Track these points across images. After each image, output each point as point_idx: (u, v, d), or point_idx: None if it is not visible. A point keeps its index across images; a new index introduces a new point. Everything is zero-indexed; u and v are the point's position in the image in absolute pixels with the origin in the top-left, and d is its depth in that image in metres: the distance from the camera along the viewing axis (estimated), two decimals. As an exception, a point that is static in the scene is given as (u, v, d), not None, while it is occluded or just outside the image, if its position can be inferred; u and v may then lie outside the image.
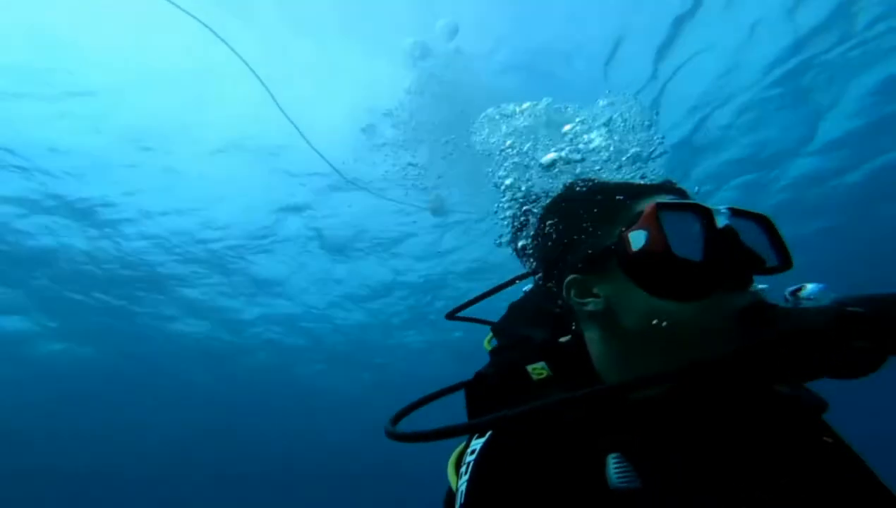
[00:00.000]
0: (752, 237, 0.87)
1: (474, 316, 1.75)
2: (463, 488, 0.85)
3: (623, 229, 0.88)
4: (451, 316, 1.88)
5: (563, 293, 0.97)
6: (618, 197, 0.97)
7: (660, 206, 0.85)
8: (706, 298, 0.81)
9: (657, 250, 0.82)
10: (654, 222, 0.84)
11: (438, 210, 9.45)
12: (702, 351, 0.79)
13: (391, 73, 6.25)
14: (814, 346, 0.67)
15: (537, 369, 0.94)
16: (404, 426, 0.96)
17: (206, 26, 4.49)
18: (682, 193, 1.00)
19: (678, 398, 0.83)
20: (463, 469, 0.89)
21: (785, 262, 0.89)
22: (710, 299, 0.80)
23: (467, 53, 6.10)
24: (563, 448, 0.84)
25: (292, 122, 5.51)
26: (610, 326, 0.91)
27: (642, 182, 1.04)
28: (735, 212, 0.87)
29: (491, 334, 1.67)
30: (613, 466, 0.78)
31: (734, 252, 0.80)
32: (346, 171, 7.41)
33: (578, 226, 0.99)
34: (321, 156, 6.32)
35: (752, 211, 0.91)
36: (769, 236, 0.91)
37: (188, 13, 4.37)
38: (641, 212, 0.88)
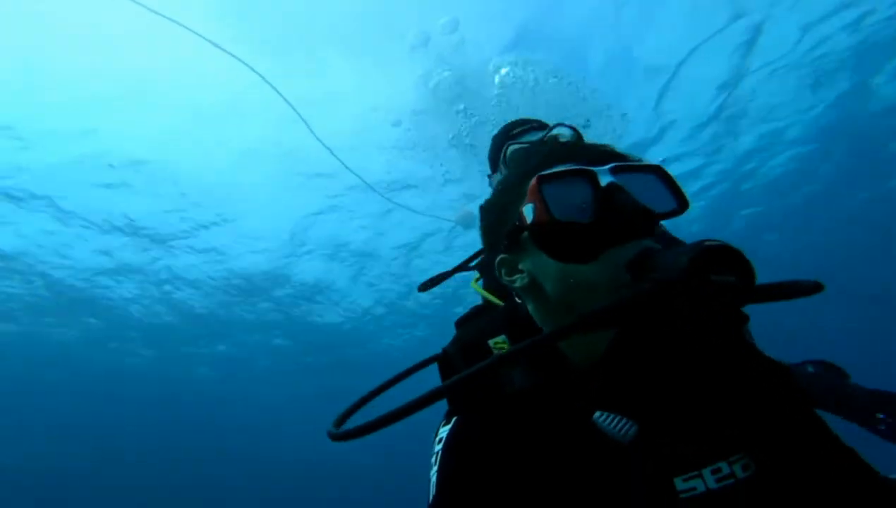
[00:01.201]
0: (647, 189, 0.89)
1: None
2: (434, 479, 0.86)
3: (521, 207, 0.93)
4: (425, 287, 2.04)
5: (496, 274, 1.02)
6: (517, 178, 1.01)
7: (540, 179, 0.89)
8: (600, 255, 0.84)
9: (544, 220, 0.86)
10: (536, 195, 0.88)
11: (469, 223, 9.58)
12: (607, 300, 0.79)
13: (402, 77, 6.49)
14: (676, 289, 0.66)
15: (499, 342, 0.98)
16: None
17: (248, 65, 4.80)
18: (590, 157, 0.98)
19: (615, 358, 0.85)
20: (433, 458, 0.91)
21: (681, 205, 0.91)
22: (605, 256, 0.83)
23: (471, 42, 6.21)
24: (534, 424, 0.85)
25: (327, 147, 5.82)
26: (539, 297, 0.95)
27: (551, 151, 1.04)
28: (619, 169, 0.89)
29: (478, 274, 1.85)
30: (605, 421, 0.79)
31: (615, 207, 0.83)
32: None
33: (496, 210, 1.05)
34: (359, 177, 6.64)
35: (641, 164, 0.93)
36: (665, 184, 0.93)
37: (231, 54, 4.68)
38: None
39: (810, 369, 1.59)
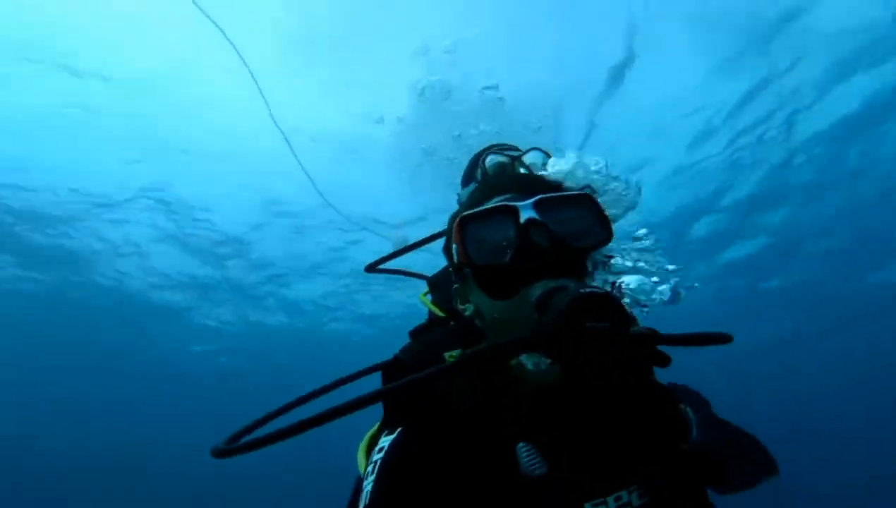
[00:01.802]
0: (572, 220, 0.92)
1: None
2: (369, 488, 0.86)
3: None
4: (373, 268, 1.92)
5: (453, 302, 1.07)
6: (457, 213, 1.06)
7: (461, 221, 0.94)
8: (514, 294, 0.88)
9: (464, 261, 0.93)
10: (458, 237, 0.93)
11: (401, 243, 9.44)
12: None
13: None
14: (553, 333, 0.71)
15: (453, 356, 1.00)
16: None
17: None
18: (521, 187, 1.02)
19: (560, 386, 0.90)
20: (370, 467, 0.90)
21: (605, 235, 0.94)
22: (519, 295, 0.87)
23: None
24: (471, 444, 0.89)
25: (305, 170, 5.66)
26: (482, 324, 0.99)
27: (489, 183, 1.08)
28: (543, 202, 0.92)
29: (428, 288, 1.78)
30: (524, 454, 0.85)
31: (530, 248, 0.86)
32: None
33: (447, 240, 1.10)
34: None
35: (565, 195, 0.95)
36: (591, 213, 0.95)
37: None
38: None
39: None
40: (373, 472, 0.88)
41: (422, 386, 0.78)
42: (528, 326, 0.80)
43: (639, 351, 0.72)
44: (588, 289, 0.72)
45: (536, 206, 0.90)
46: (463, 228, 0.93)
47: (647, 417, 0.90)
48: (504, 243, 0.90)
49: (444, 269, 1.79)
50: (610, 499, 0.87)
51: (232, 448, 0.72)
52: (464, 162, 2.26)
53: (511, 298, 0.89)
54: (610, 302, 0.71)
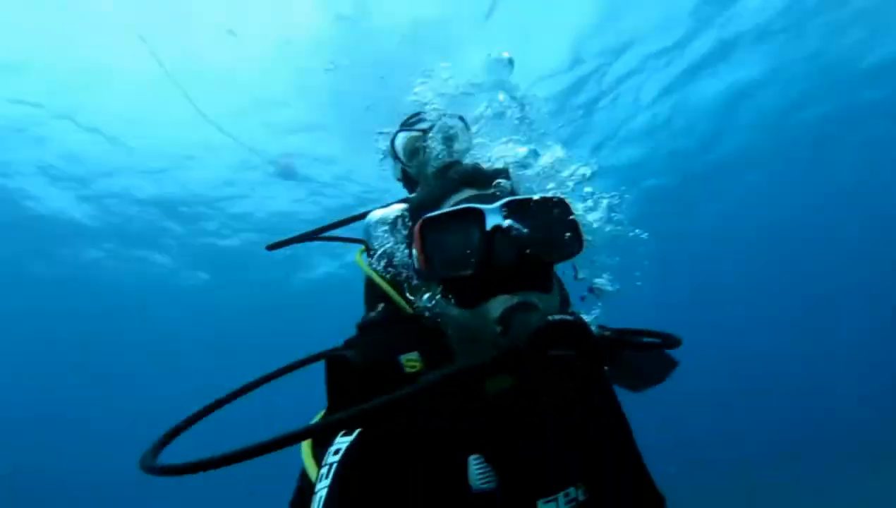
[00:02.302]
0: (543, 225, 0.87)
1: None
2: (323, 494, 0.82)
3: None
4: (278, 245, 1.78)
5: (411, 294, 1.02)
6: (415, 206, 1.01)
7: (423, 225, 0.87)
8: (478, 306, 0.84)
9: (425, 271, 0.88)
10: (419, 243, 0.87)
11: (287, 175, 8.96)
12: (484, 351, 0.80)
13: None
14: (514, 361, 0.72)
15: (411, 360, 0.94)
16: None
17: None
18: (488, 183, 0.97)
19: (513, 394, 0.90)
20: (324, 469, 0.85)
21: (577, 246, 0.90)
22: (482, 307, 0.84)
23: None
24: (427, 453, 0.87)
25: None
26: (443, 322, 0.94)
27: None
28: (510, 207, 0.86)
29: (363, 248, 1.58)
30: (475, 468, 0.85)
31: (495, 259, 0.82)
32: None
33: (409, 233, 1.02)
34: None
35: (538, 198, 0.89)
36: (565, 220, 0.90)
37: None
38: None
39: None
40: (327, 476, 0.84)
41: (380, 393, 0.76)
42: (489, 340, 0.80)
43: (595, 370, 0.73)
44: (556, 318, 0.70)
45: (504, 210, 0.85)
46: (424, 234, 0.87)
47: (590, 421, 0.99)
48: (467, 251, 0.85)
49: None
50: (560, 495, 0.91)
51: (167, 468, 0.67)
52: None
53: (473, 308, 0.85)
54: (577, 329, 0.70)
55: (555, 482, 0.92)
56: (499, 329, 0.79)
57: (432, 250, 0.87)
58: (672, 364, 1.17)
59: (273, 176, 9.09)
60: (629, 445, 1.06)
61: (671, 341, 0.98)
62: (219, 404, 1.02)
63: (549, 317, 0.70)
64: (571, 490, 0.93)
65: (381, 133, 2.09)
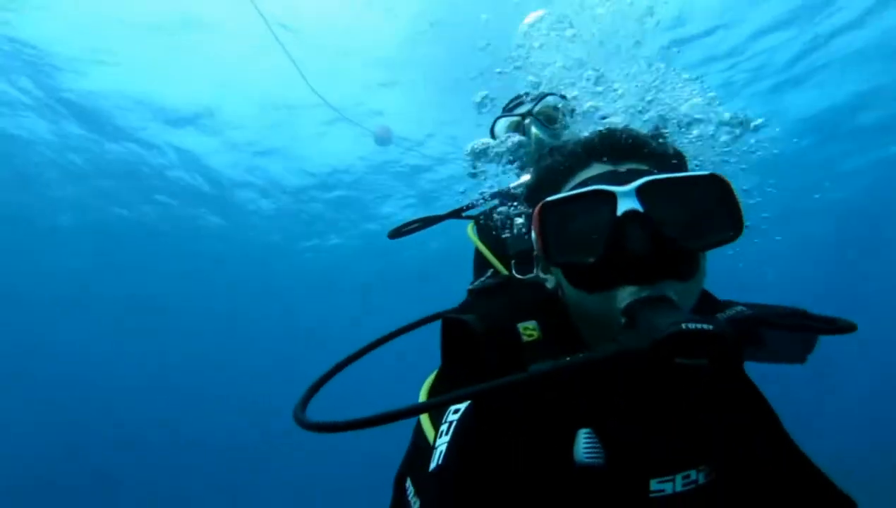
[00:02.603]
0: (685, 208, 0.80)
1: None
2: (443, 448, 0.85)
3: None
4: (399, 233, 1.86)
5: (535, 265, 0.99)
6: (539, 190, 0.95)
7: (544, 207, 0.83)
8: (602, 292, 0.80)
9: (542, 253, 0.84)
10: (539, 228, 0.83)
11: (384, 140, 9.23)
12: (608, 335, 0.78)
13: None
14: (634, 363, 0.68)
15: (528, 329, 0.91)
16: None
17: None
18: (620, 155, 0.89)
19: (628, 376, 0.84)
20: (444, 426, 0.88)
21: (735, 229, 0.79)
22: (607, 293, 0.80)
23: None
24: (539, 421, 0.85)
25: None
26: (563, 298, 0.92)
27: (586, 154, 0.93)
28: (646, 190, 0.77)
29: (473, 223, 1.71)
30: (583, 442, 0.82)
31: (625, 248, 0.75)
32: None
33: (531, 202, 0.98)
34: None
35: (680, 177, 0.80)
36: (717, 200, 0.81)
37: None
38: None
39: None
40: (447, 432, 0.86)
41: (499, 360, 0.82)
42: (614, 327, 0.77)
43: (728, 380, 0.68)
44: (693, 326, 0.63)
45: (640, 193, 0.77)
46: (544, 219, 0.82)
47: (719, 405, 0.86)
48: (594, 236, 0.78)
49: (494, 210, 1.75)
50: (679, 476, 0.85)
51: (327, 425, 0.70)
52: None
53: (597, 293, 0.81)
54: (712, 339, 0.63)
55: (673, 462, 0.86)
56: (623, 320, 0.75)
57: (551, 236, 0.82)
58: (811, 345, 1.04)
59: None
60: (773, 429, 0.92)
61: (843, 325, 0.84)
62: (349, 361, 1.07)
63: (684, 325, 0.63)
64: (693, 472, 0.86)
65: (479, 103, 2.05)
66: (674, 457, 0.85)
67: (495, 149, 1.87)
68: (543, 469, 0.84)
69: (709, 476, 0.87)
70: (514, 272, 1.48)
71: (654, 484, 0.84)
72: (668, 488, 0.85)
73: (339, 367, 1.03)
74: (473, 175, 1.88)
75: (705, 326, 0.63)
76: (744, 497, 0.89)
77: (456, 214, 1.83)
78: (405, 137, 9.44)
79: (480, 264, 1.65)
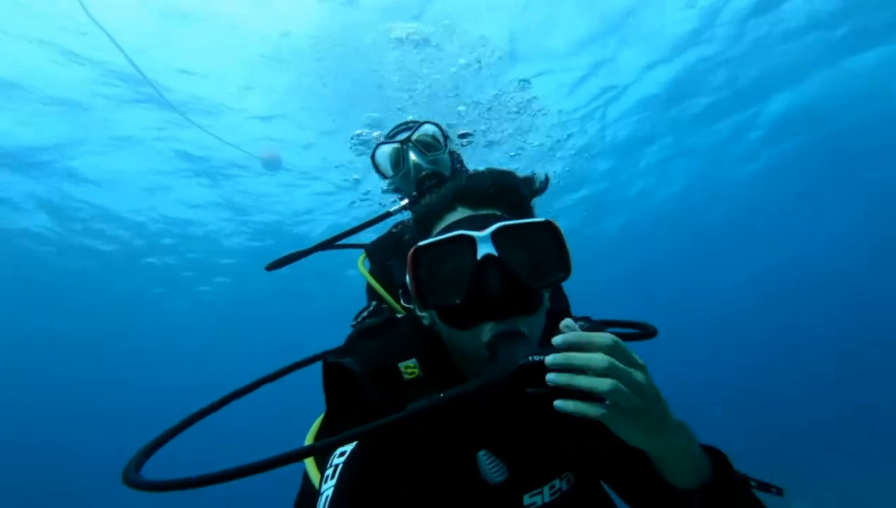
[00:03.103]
0: (532, 250, 0.90)
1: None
2: (329, 493, 0.85)
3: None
4: (277, 265, 1.82)
5: (409, 302, 1.04)
6: (416, 225, 1.05)
7: (416, 252, 0.91)
8: (469, 328, 0.89)
9: (416, 297, 0.92)
10: (411, 269, 0.91)
11: (272, 166, 8.89)
12: (479, 367, 0.86)
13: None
14: (494, 394, 0.76)
15: (409, 367, 0.96)
16: None
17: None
18: (479, 201, 0.99)
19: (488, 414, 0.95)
20: (329, 471, 0.88)
21: (563, 270, 0.92)
22: (473, 330, 0.89)
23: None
24: (433, 451, 0.90)
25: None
26: (441, 334, 0.98)
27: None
28: (500, 234, 0.88)
29: (364, 255, 1.77)
30: (485, 462, 0.90)
31: (484, 289, 0.85)
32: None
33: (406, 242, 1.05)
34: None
35: (527, 223, 0.91)
36: (553, 244, 0.92)
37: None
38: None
39: None
40: (333, 476, 0.87)
41: (379, 400, 0.86)
42: (480, 361, 0.86)
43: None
44: (534, 359, 0.74)
45: (495, 238, 0.87)
46: (416, 261, 0.91)
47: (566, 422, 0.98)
48: (458, 278, 0.88)
49: (383, 238, 1.83)
50: (545, 488, 0.96)
51: (155, 484, 0.68)
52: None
53: (465, 330, 0.90)
54: (538, 369, 0.74)
55: (541, 475, 0.97)
56: (486, 353, 0.85)
57: (423, 279, 0.91)
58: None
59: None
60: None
61: (648, 330, 1.04)
62: (222, 403, 1.06)
63: (529, 358, 0.74)
64: (556, 481, 0.98)
65: (357, 136, 2.10)
66: (542, 471, 0.96)
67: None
68: (448, 492, 0.90)
69: (570, 483, 1.00)
70: (402, 300, 1.55)
71: (526, 499, 0.94)
72: (538, 500, 0.95)
73: (210, 410, 1.02)
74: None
75: (544, 357, 0.74)
76: (600, 493, 1.05)
77: (329, 244, 1.85)
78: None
79: (371, 293, 1.69)
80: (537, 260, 0.91)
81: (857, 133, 10.92)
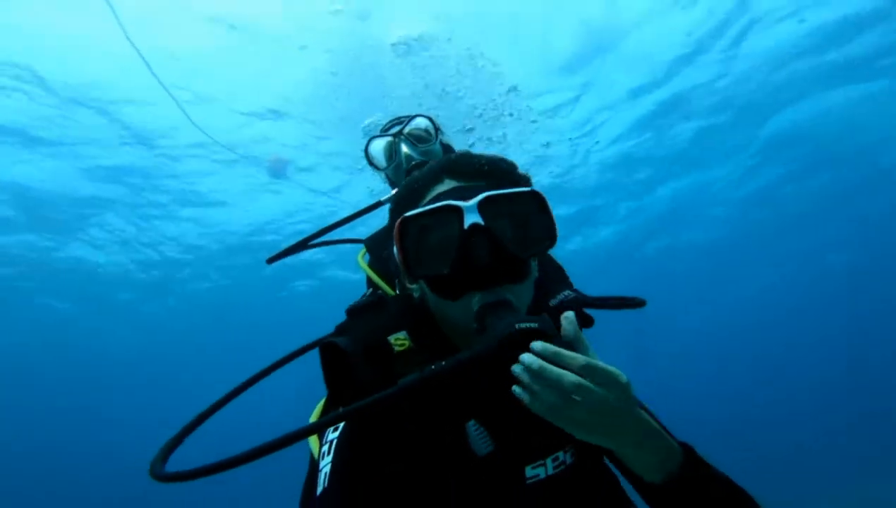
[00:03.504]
0: (518, 219, 0.90)
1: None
2: (327, 469, 0.85)
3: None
4: (277, 257, 1.82)
5: (401, 279, 1.04)
6: (401, 204, 1.01)
7: (403, 222, 0.90)
8: (459, 298, 0.89)
9: (403, 267, 0.91)
10: (399, 243, 0.90)
11: (277, 172, 9.02)
12: (468, 336, 0.88)
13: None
14: (484, 365, 0.76)
15: (399, 339, 0.95)
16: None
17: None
18: (466, 175, 0.98)
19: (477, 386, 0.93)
20: (325, 447, 0.89)
21: (550, 238, 0.92)
22: (463, 299, 0.89)
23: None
24: (423, 422, 0.89)
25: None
26: (430, 306, 0.99)
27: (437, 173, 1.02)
28: (488, 202, 0.87)
29: (364, 249, 1.76)
30: (474, 433, 0.89)
31: (472, 258, 0.85)
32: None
33: (391, 219, 1.07)
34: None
35: (512, 192, 0.90)
36: (539, 211, 0.92)
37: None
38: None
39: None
40: (329, 452, 0.87)
41: (372, 376, 0.87)
42: (469, 331, 0.87)
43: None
44: (522, 326, 0.75)
45: (481, 207, 0.87)
46: (403, 232, 0.90)
47: None
48: (445, 248, 0.88)
49: (381, 230, 1.80)
50: (549, 459, 0.94)
51: (176, 475, 0.71)
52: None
53: (454, 300, 0.90)
54: (539, 336, 0.75)
55: (542, 447, 0.94)
56: (475, 325, 0.85)
57: (410, 249, 0.90)
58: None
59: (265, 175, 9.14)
60: None
61: (635, 301, 1.00)
62: (221, 404, 1.06)
63: (517, 325, 0.75)
64: (560, 453, 0.95)
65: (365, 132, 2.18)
66: (543, 443, 0.94)
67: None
68: (439, 465, 0.89)
69: (574, 456, 0.97)
70: (397, 288, 1.53)
71: (528, 471, 0.92)
72: (541, 472, 0.93)
73: (211, 411, 1.03)
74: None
75: (533, 324, 0.76)
76: (605, 469, 1.03)
77: (325, 238, 1.86)
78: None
79: (371, 287, 1.69)
80: (524, 230, 0.91)
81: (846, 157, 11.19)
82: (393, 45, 5.14)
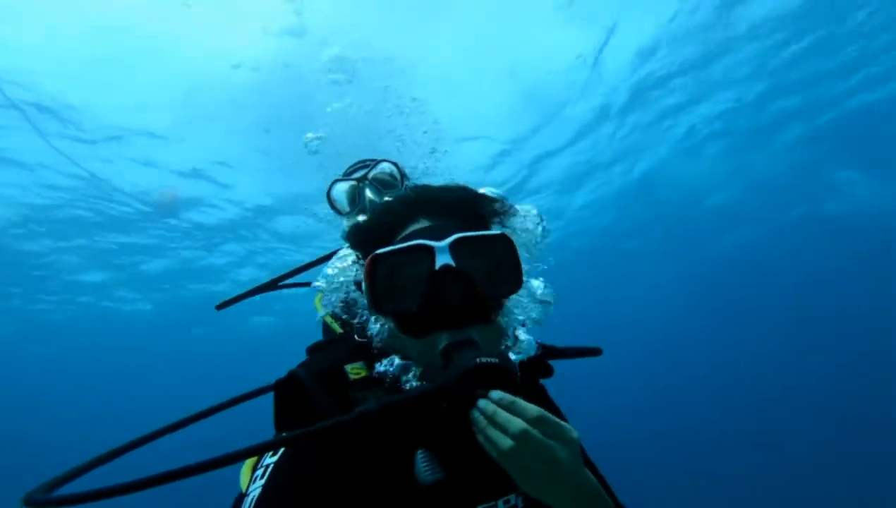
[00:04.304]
0: (488, 261, 0.93)
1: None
2: (256, 493, 0.82)
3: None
4: (225, 303, 1.80)
5: (367, 316, 1.02)
6: (372, 238, 1.01)
7: (374, 259, 0.92)
8: (424, 337, 0.90)
9: (372, 303, 0.93)
10: (368, 278, 0.92)
11: (167, 211, 8.33)
12: (431, 373, 0.90)
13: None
14: (443, 397, 0.81)
15: (355, 368, 0.97)
16: None
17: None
18: (438, 212, 1.00)
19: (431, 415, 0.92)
20: (259, 471, 0.87)
21: (516, 285, 0.95)
22: (428, 338, 0.90)
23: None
24: (369, 449, 0.89)
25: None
26: (392, 347, 0.98)
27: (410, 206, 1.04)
28: (458, 245, 0.90)
29: (320, 294, 1.63)
30: (422, 461, 0.88)
31: (441, 299, 0.87)
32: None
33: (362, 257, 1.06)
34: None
35: (484, 235, 0.94)
36: (508, 256, 0.95)
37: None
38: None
39: None
40: (263, 476, 0.85)
41: (326, 395, 0.88)
42: (434, 369, 0.88)
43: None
44: (483, 360, 0.79)
45: (452, 249, 0.89)
46: (374, 270, 0.91)
47: None
48: (415, 286, 0.89)
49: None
50: (500, 502, 0.95)
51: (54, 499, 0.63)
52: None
53: (419, 339, 0.91)
54: (499, 372, 0.80)
55: (494, 487, 0.95)
56: (441, 362, 0.87)
57: (381, 286, 0.91)
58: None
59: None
60: None
61: (592, 351, 1.09)
62: (174, 427, 1.01)
63: (479, 360, 0.79)
64: (512, 496, 0.96)
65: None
66: (496, 483, 0.94)
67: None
68: (386, 491, 0.87)
69: (526, 501, 0.97)
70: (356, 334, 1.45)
71: None
72: None
73: (136, 443, 0.94)
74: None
75: (495, 360, 0.80)
76: None
77: (272, 285, 1.82)
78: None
79: (327, 332, 1.67)
80: (493, 272, 0.94)
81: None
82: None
